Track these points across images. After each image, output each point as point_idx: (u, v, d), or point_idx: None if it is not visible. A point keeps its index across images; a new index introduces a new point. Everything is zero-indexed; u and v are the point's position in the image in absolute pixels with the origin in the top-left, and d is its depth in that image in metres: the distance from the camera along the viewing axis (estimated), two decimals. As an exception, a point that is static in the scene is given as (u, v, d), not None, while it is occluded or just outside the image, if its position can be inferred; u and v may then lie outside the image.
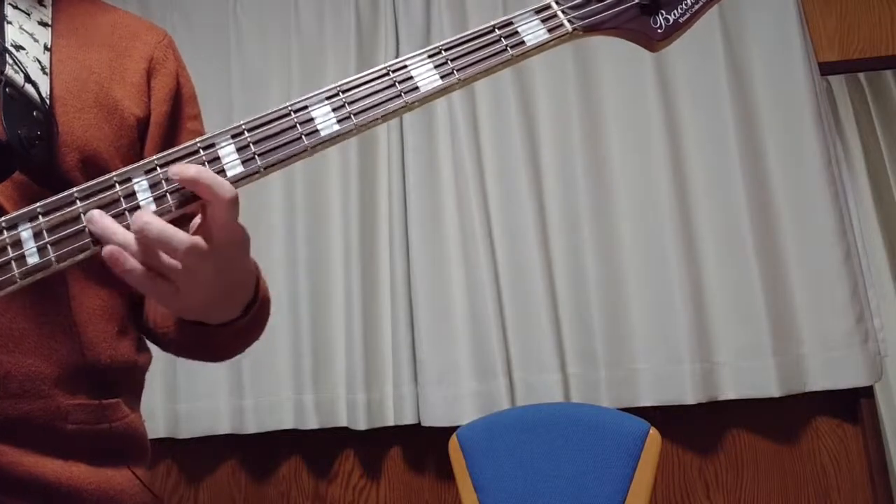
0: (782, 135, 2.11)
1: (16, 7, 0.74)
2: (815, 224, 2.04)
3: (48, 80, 0.71)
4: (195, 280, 0.59)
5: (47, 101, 0.69)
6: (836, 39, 2.32)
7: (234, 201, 0.59)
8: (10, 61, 0.68)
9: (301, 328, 2.12)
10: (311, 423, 2.08)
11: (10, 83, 0.67)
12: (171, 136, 0.82)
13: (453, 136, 2.16)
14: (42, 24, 0.75)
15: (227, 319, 0.70)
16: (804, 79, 2.11)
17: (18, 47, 0.70)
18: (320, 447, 2.16)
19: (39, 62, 0.71)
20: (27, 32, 0.72)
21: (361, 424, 2.03)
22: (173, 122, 0.82)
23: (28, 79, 0.69)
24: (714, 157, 2.11)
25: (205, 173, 0.58)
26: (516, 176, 2.13)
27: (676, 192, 2.08)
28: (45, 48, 0.73)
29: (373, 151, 2.21)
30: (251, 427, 2.10)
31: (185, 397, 2.12)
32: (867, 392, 2.05)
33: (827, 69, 2.29)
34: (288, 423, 2.09)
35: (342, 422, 2.08)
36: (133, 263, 0.57)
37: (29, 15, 0.74)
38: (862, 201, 2.69)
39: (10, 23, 0.72)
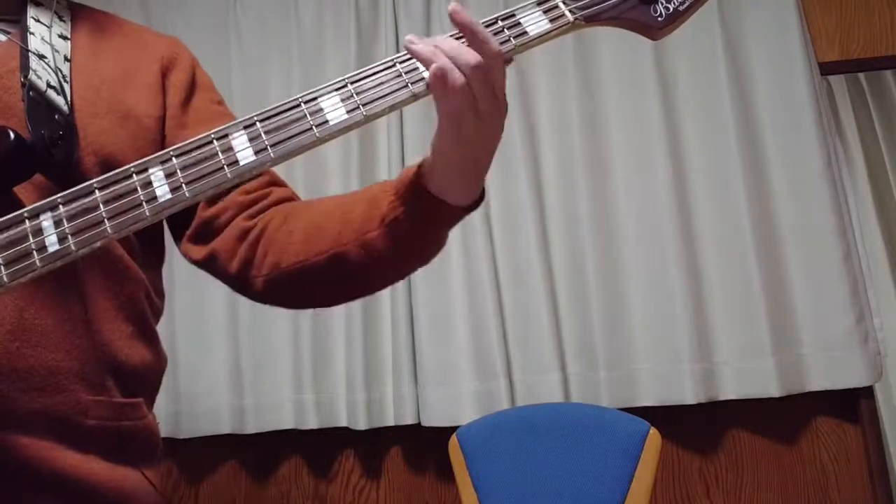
0: (782, 135, 2.11)
1: (38, 21, 0.77)
2: (815, 224, 2.04)
3: (69, 88, 0.74)
4: (493, 115, 0.64)
5: (69, 107, 0.73)
6: (836, 39, 2.32)
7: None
8: (33, 67, 0.72)
9: (301, 328, 2.12)
10: (311, 423, 2.08)
11: (33, 87, 0.71)
12: (191, 121, 0.83)
13: (453, 136, 2.15)
14: (62, 37, 0.79)
15: (466, 197, 0.69)
16: (804, 79, 2.11)
17: (41, 56, 0.74)
18: (320, 447, 2.16)
19: (60, 71, 0.75)
20: (48, 43, 0.76)
21: (361, 424, 2.03)
22: (191, 108, 0.84)
23: (50, 84, 0.72)
24: (714, 157, 2.11)
25: (478, 26, 0.63)
26: (516, 176, 2.13)
27: (676, 191, 2.08)
28: (66, 59, 0.77)
29: (373, 148, 2.21)
30: (251, 427, 2.10)
31: (185, 397, 2.12)
32: (867, 392, 2.05)
33: (827, 69, 2.29)
34: (288, 423, 2.09)
35: (342, 422, 2.08)
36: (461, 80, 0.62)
37: (50, 28, 0.78)
38: (862, 201, 2.69)
39: (32, 34, 0.76)
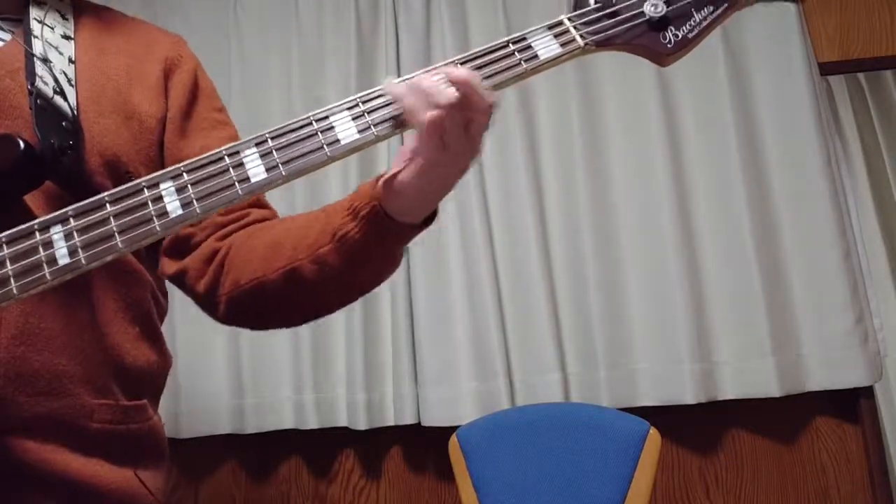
0: (782, 134, 2.11)
1: (41, 22, 0.77)
2: (814, 224, 2.04)
3: (74, 91, 0.74)
4: (461, 149, 0.63)
5: (75, 112, 0.72)
6: (836, 39, 2.32)
7: (494, 107, 0.64)
8: (39, 74, 0.72)
9: (301, 328, 2.12)
10: (311, 423, 2.08)
11: (40, 95, 0.70)
12: (191, 128, 0.83)
13: (453, 136, 2.15)
14: (66, 37, 0.78)
15: (419, 217, 0.70)
16: (804, 79, 2.11)
17: (46, 60, 0.73)
18: (320, 447, 2.16)
19: (66, 74, 0.74)
20: (53, 46, 0.75)
21: (361, 424, 2.03)
22: (192, 114, 0.84)
23: (56, 90, 0.71)
24: (714, 157, 2.11)
25: (476, 78, 0.62)
26: (516, 176, 2.13)
27: (676, 191, 2.08)
28: (70, 60, 0.76)
29: (373, 151, 2.21)
30: (251, 427, 2.10)
31: (185, 397, 2.12)
32: (867, 392, 2.05)
33: (827, 69, 2.29)
34: (288, 423, 2.09)
35: (342, 422, 2.08)
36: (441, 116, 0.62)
37: (53, 29, 0.77)
38: (862, 201, 2.70)
39: (36, 37, 0.75)
